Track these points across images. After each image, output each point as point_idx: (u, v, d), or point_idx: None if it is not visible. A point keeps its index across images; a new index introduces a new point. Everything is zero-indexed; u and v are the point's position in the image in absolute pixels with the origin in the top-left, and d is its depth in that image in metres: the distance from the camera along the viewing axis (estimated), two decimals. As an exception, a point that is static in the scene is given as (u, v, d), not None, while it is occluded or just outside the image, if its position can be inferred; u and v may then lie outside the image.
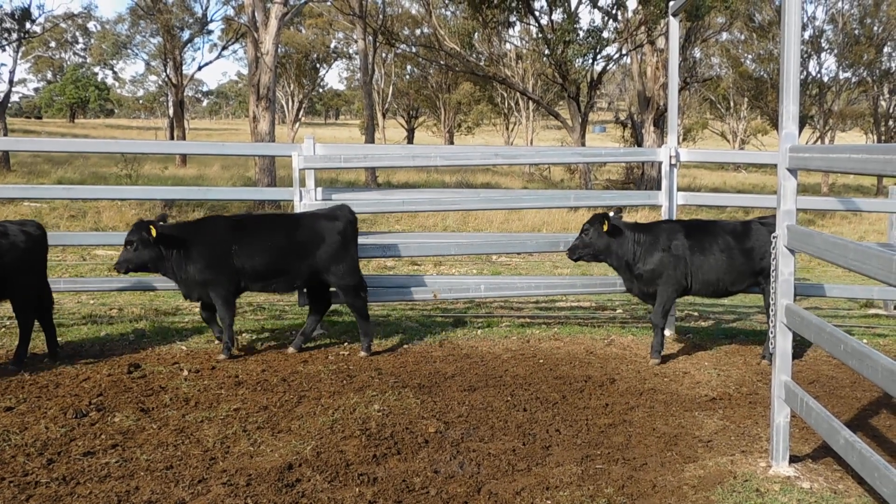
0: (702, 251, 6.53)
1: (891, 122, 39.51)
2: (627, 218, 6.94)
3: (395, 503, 3.89)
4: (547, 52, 24.64)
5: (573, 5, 24.91)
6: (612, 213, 6.72)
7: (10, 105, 35.64)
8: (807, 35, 35.21)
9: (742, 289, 6.74)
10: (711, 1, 22.02)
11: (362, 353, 6.66)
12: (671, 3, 7.61)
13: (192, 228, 6.51)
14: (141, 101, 74.13)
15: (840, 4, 36.15)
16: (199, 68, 71.73)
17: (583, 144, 25.74)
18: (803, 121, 34.49)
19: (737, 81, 42.60)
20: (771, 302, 4.31)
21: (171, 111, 37.63)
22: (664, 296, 6.56)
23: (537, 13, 25.28)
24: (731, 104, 48.78)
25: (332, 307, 8.37)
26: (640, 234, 6.64)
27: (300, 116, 49.61)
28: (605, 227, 6.57)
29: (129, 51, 47.38)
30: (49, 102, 73.52)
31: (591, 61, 24.75)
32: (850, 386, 5.95)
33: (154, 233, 6.19)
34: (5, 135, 27.32)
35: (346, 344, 7.04)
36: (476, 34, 31.44)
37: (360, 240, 8.01)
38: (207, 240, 6.40)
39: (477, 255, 12.60)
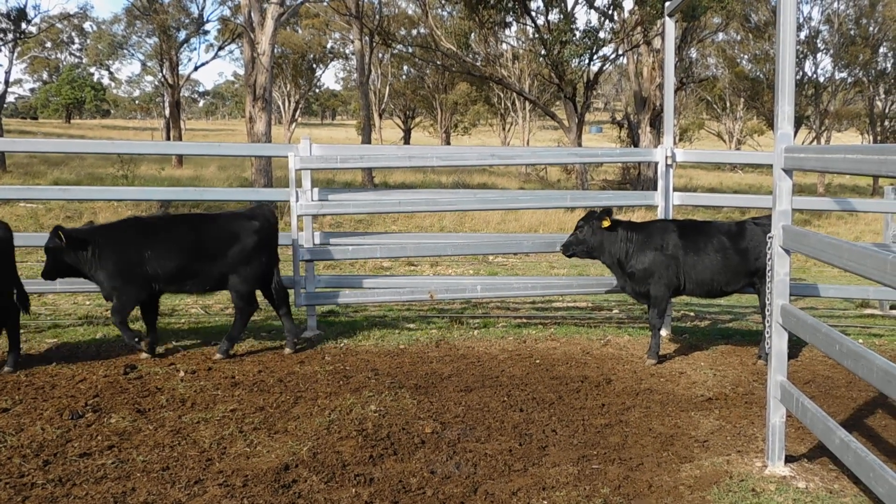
0: (695, 251, 6.53)
1: (886, 123, 39.61)
2: (623, 217, 6.94)
3: (392, 503, 3.90)
4: (543, 52, 24.67)
5: (569, 5, 24.98)
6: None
7: (5, 106, 35.57)
8: (803, 35, 35.30)
9: (736, 289, 6.74)
10: (707, 1, 22.07)
11: (218, 356, 6.47)
12: (667, 4, 7.62)
13: (106, 231, 6.41)
14: (137, 102, 73.93)
15: (836, 5, 36.27)
16: (196, 69, 71.37)
17: (579, 145, 25.76)
18: (799, 121, 34.57)
19: (733, 82, 42.69)
20: (766, 302, 4.32)
21: (167, 112, 37.56)
22: (657, 296, 6.57)
23: (534, 13, 25.31)
24: (728, 104, 48.88)
25: (328, 307, 8.38)
26: (633, 232, 6.65)
27: (297, 117, 49.58)
28: (607, 224, 6.56)
29: (125, 51, 47.23)
30: (45, 103, 73.39)
31: (587, 62, 24.80)
32: (845, 386, 5.96)
33: (63, 238, 6.14)
34: (1, 135, 27.26)
35: (343, 345, 7.04)
36: (472, 34, 31.46)
37: (358, 240, 8.03)
38: (121, 242, 6.32)
39: (473, 255, 12.61)
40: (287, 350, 6.69)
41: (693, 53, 36.46)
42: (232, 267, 6.52)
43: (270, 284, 6.81)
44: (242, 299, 6.63)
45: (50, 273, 6.35)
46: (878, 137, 39.17)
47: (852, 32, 36.59)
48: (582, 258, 6.96)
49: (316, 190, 7.42)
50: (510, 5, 24.44)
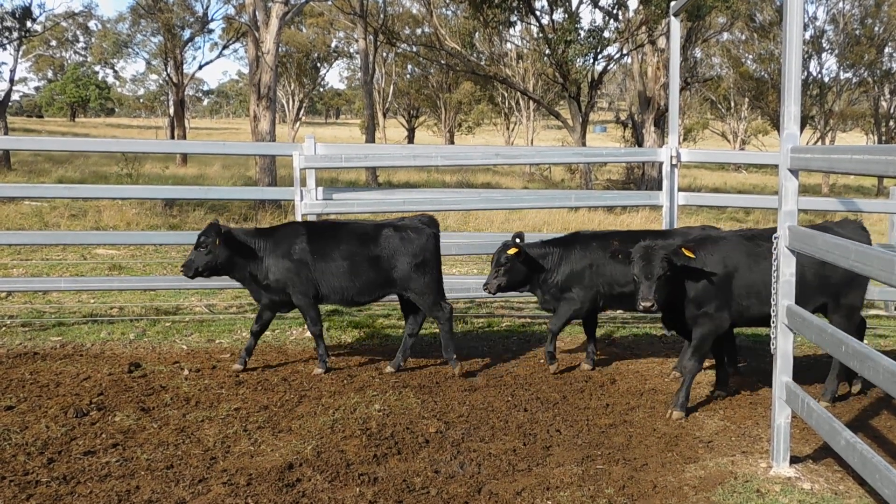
0: (324, 257, 5.93)
1: (892, 123, 39.55)
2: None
3: (396, 503, 3.89)
4: (548, 51, 24.66)
5: (574, 5, 24.93)
6: None
7: (10, 104, 35.66)
8: (808, 35, 35.23)
9: (374, 298, 6.23)
10: (712, 1, 22.01)
11: None
12: (672, 3, 7.61)
13: None
14: (141, 100, 74.01)
15: (841, 5, 36.19)
16: (200, 67, 72.00)
17: (583, 144, 25.74)
18: (804, 121, 34.45)
19: (737, 82, 42.58)
20: (772, 303, 4.30)
21: (171, 110, 37.66)
22: (300, 305, 6.01)
23: (538, 13, 25.30)
24: (732, 104, 48.76)
25: (331, 307, 8.38)
26: (262, 240, 6.02)
27: (301, 116, 49.59)
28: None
29: (129, 50, 47.31)
30: (50, 101, 73.49)
31: (591, 61, 24.76)
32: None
33: None
34: (6, 134, 27.32)
35: (346, 344, 7.04)
36: (477, 34, 31.45)
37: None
38: None
39: (478, 254, 12.59)
40: None
41: (698, 53, 36.41)
42: None
43: None
44: None
45: None
46: (884, 137, 39.09)
47: (857, 32, 36.51)
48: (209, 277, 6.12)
49: (320, 189, 7.42)
50: (515, 5, 24.41)
